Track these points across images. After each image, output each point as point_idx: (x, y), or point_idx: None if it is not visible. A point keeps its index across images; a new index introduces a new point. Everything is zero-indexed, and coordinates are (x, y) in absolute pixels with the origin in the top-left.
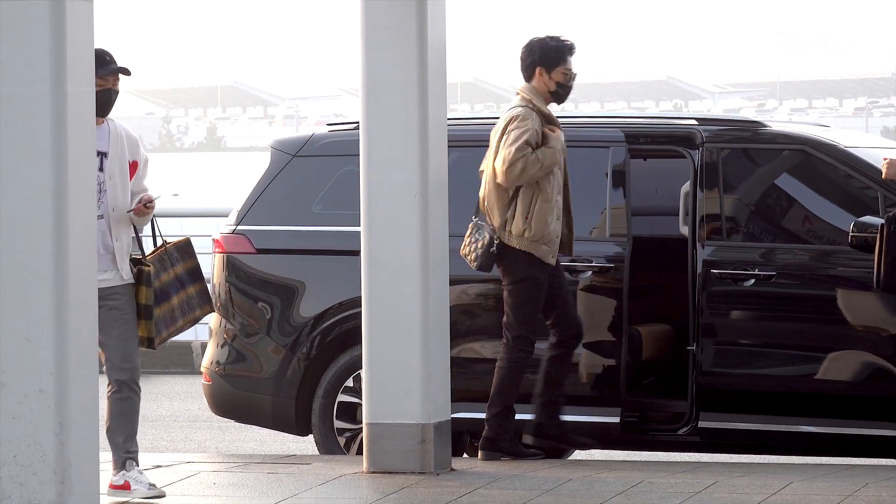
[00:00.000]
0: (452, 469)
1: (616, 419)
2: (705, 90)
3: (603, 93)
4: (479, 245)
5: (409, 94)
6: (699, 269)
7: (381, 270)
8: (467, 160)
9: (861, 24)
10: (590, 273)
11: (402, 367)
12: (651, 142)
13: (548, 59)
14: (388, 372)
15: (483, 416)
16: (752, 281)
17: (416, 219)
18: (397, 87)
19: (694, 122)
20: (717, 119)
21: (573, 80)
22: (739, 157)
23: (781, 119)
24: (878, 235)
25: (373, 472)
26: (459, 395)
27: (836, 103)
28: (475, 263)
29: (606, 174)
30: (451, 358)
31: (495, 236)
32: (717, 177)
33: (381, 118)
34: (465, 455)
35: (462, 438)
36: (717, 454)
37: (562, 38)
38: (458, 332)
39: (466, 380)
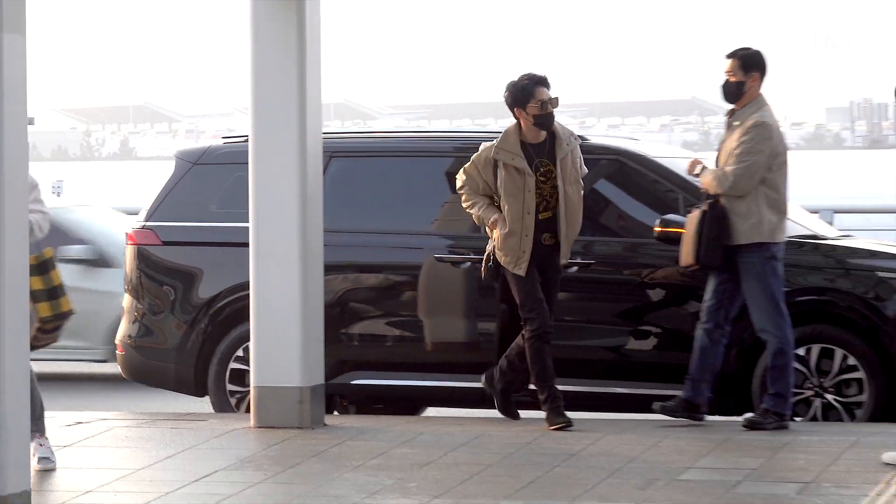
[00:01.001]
0: (325, 425)
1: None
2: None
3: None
4: (483, 258)
5: (290, 113)
6: None
7: (267, 259)
8: (346, 168)
9: (662, 51)
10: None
11: (283, 339)
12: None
13: (518, 100)
14: (271, 343)
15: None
16: (576, 268)
17: (296, 217)
18: (280, 107)
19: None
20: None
21: (550, 106)
22: None
23: (599, 133)
24: (699, 220)
25: (259, 427)
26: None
27: (644, 121)
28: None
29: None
30: (354, 334)
31: (492, 250)
32: None
33: (266, 133)
34: (335, 413)
35: (333, 399)
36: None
37: (529, 75)
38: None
39: (359, 351)
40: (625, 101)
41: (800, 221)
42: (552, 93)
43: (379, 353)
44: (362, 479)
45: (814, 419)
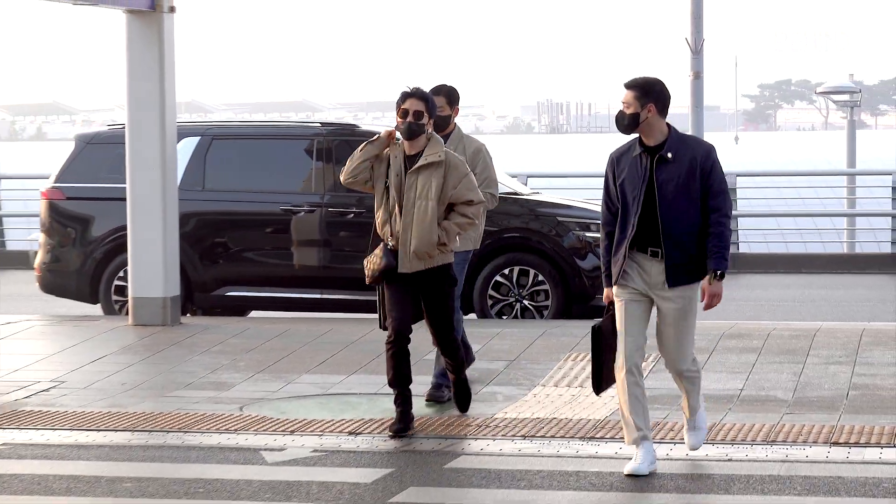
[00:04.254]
0: (181, 323)
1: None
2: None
3: None
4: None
5: (154, 107)
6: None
7: (139, 209)
8: (223, 145)
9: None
10: (302, 213)
11: (151, 265)
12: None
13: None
14: (142, 268)
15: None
16: (352, 214)
17: (159, 180)
18: (146, 103)
19: (319, 124)
20: (332, 122)
21: (411, 118)
22: (344, 146)
23: (368, 123)
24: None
25: (134, 325)
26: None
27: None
28: None
29: (308, 152)
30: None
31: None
32: (332, 157)
33: (137, 122)
34: (187, 315)
35: (186, 305)
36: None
37: (415, 88)
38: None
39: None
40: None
41: (504, 182)
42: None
43: (242, 273)
44: (207, 359)
45: (515, 317)
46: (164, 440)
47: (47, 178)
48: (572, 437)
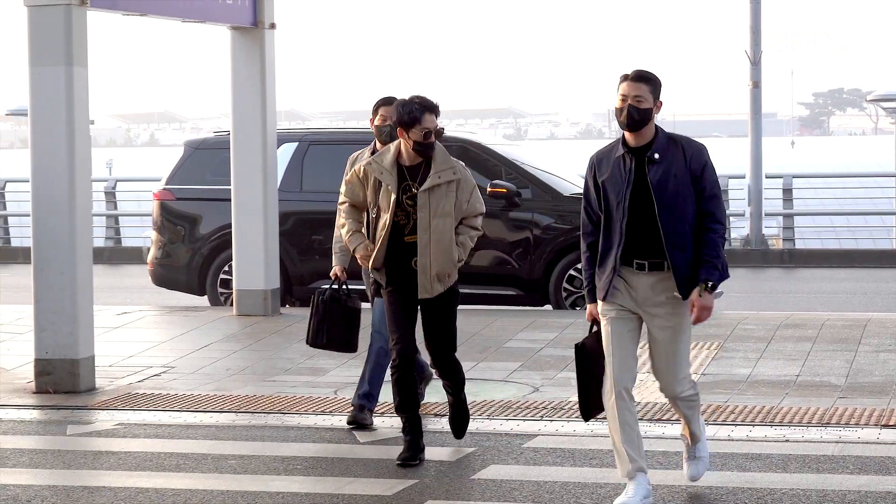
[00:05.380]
0: (281, 313)
1: None
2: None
3: None
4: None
5: (256, 117)
6: None
7: (242, 210)
8: (319, 151)
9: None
10: None
11: (253, 261)
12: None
13: (404, 122)
14: (246, 262)
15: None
16: None
17: (260, 183)
18: (249, 112)
19: None
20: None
21: (434, 136)
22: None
23: (452, 129)
24: (311, 303)
25: (238, 315)
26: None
27: (479, 122)
28: None
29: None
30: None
31: None
32: None
33: (241, 129)
34: (286, 306)
35: (285, 297)
36: None
37: (421, 99)
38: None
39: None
40: (463, 108)
41: (576, 184)
42: (439, 122)
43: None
44: (304, 347)
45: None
46: (266, 421)
47: (159, 180)
48: (640, 418)
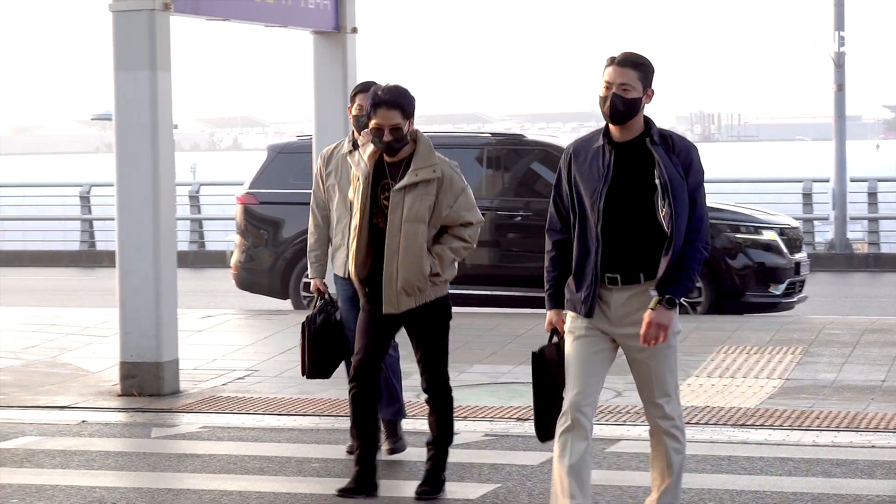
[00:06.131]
0: None
1: None
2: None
3: None
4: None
5: (338, 121)
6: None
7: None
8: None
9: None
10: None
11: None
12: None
13: (368, 116)
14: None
15: None
16: (519, 217)
17: None
18: (331, 116)
19: (489, 134)
20: (501, 133)
21: (390, 135)
22: (511, 155)
23: (534, 133)
24: (300, 333)
25: None
26: None
27: (560, 125)
28: None
29: (479, 161)
30: None
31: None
32: (501, 164)
33: (323, 133)
34: None
35: None
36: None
37: (378, 92)
38: None
39: None
40: (547, 112)
41: None
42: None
43: None
44: None
45: None
46: (348, 424)
47: (242, 184)
48: (724, 424)
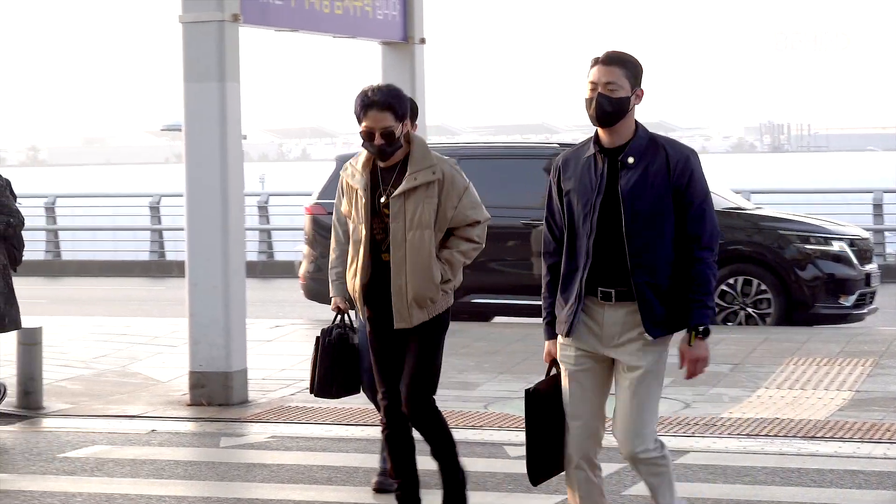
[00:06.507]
0: None
1: None
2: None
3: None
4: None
5: None
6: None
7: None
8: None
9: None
10: (541, 226)
11: None
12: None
13: (357, 117)
14: None
15: None
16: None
17: None
18: None
19: (557, 145)
20: (569, 143)
21: (381, 138)
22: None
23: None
24: (314, 346)
25: None
26: None
27: None
28: None
29: (546, 171)
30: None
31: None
32: None
33: None
34: None
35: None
36: None
37: (366, 92)
38: None
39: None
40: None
41: (728, 198)
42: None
43: (487, 281)
44: (454, 361)
45: (739, 324)
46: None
47: (310, 195)
48: (794, 436)
